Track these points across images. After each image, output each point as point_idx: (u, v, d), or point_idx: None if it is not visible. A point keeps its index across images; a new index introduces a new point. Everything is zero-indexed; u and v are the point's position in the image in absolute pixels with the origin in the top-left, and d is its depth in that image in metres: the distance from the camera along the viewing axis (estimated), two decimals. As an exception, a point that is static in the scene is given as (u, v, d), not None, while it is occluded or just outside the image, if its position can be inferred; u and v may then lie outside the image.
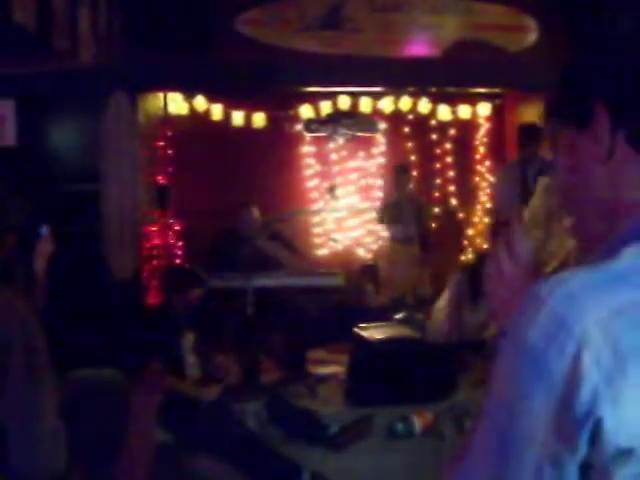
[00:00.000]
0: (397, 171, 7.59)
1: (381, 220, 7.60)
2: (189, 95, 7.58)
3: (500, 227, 6.27)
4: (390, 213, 7.47)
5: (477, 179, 8.56)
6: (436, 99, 7.99)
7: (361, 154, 8.36)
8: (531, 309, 0.80)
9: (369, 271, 7.08)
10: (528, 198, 6.05)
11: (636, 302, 0.77)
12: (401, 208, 7.41)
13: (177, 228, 7.81)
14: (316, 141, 8.25)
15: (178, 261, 7.62)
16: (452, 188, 8.47)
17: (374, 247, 8.29)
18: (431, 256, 7.51)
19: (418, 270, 7.42)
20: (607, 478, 0.76)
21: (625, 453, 0.75)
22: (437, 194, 8.41)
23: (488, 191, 8.49)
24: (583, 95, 0.89)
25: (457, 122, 8.30)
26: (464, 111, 8.18)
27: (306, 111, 7.94)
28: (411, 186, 7.61)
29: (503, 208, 6.45)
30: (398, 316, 6.46)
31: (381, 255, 7.84)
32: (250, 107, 7.80)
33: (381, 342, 5.60)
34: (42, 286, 2.98)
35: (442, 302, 6.65)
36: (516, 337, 0.81)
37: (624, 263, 0.81)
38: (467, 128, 8.46)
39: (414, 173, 8.31)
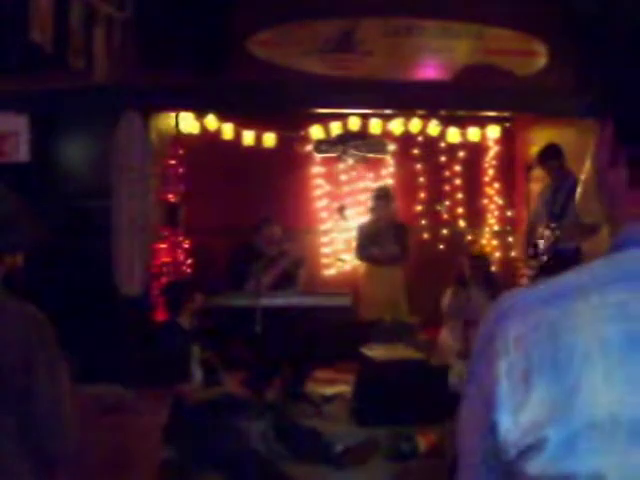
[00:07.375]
0: (376, 194, 7.32)
1: (359, 241, 7.32)
2: (200, 114, 7.65)
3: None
4: (368, 235, 7.22)
5: (486, 201, 8.58)
6: (446, 122, 8.03)
7: (370, 175, 8.38)
8: (482, 323, 0.90)
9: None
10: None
11: (553, 319, 0.82)
12: (379, 230, 7.16)
13: (186, 246, 7.85)
14: (326, 162, 8.30)
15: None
16: (461, 210, 8.49)
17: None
18: (410, 279, 7.27)
19: (397, 293, 7.17)
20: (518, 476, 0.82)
21: (524, 451, 0.81)
22: (445, 216, 8.42)
23: (496, 214, 8.51)
24: (601, 101, 0.93)
25: (466, 145, 8.33)
26: (473, 134, 8.22)
27: (316, 132, 8.00)
28: (393, 209, 7.29)
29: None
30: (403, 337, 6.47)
31: (361, 276, 7.58)
32: (261, 127, 7.85)
33: (386, 363, 5.62)
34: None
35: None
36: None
37: (570, 279, 0.86)
38: (476, 151, 8.49)
39: (422, 195, 8.38)
